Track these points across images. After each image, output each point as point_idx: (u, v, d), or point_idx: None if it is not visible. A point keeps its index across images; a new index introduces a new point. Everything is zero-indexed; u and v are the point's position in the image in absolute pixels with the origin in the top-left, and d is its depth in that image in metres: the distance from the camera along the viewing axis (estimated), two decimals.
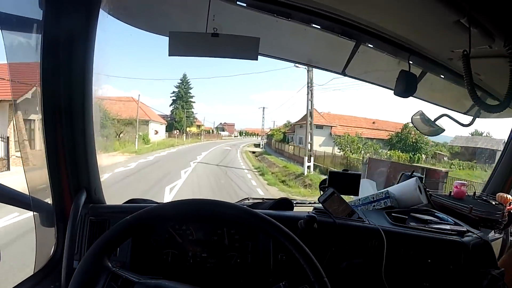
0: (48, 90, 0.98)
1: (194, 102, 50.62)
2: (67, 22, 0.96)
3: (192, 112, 49.84)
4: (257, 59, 1.05)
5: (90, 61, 1.03)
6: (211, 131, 58.44)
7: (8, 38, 0.95)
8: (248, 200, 1.38)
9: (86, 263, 0.68)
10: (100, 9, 1.00)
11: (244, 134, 74.82)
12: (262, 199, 1.36)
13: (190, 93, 50.17)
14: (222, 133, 64.28)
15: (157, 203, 1.11)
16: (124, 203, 1.18)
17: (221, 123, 69.32)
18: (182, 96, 47.73)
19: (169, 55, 1.01)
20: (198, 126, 52.15)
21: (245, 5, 1.06)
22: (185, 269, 1.02)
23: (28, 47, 1.01)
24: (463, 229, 1.17)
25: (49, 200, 1.08)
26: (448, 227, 1.20)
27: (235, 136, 69.40)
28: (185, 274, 1.01)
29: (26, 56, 1.11)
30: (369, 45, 1.24)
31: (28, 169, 1.13)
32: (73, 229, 1.01)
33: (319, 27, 1.14)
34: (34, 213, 1.08)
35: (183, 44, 1.03)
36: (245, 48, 1.04)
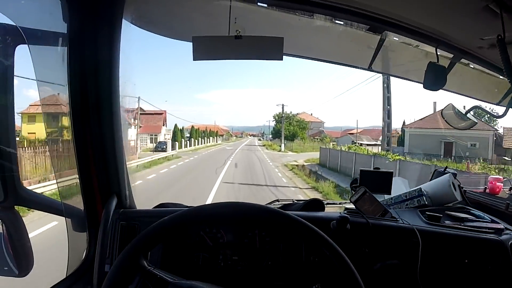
0: (76, 103, 1.01)
1: None
2: (91, 33, 0.99)
3: None
4: (282, 59, 1.03)
5: (116, 69, 1.05)
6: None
7: (35, 52, 0.98)
8: (278, 201, 1.36)
9: (122, 260, 0.68)
10: (123, 19, 1.02)
11: (195, 137, 34.75)
12: (292, 200, 1.34)
13: None
14: None
15: (188, 207, 1.12)
16: (154, 207, 1.20)
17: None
18: None
19: (193, 60, 1.02)
20: None
21: (266, 5, 1.06)
22: (216, 272, 1.02)
23: (55, 59, 1.04)
24: (501, 227, 1.11)
25: (81, 206, 1.10)
26: (484, 225, 1.14)
27: (159, 147, 23.65)
28: (216, 277, 1.01)
29: (53, 69, 1.15)
30: (395, 38, 1.20)
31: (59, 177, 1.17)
32: (105, 234, 1.03)
33: (342, 23, 1.11)
34: (66, 218, 1.11)
35: (207, 48, 1.03)
36: (269, 48, 1.03)
